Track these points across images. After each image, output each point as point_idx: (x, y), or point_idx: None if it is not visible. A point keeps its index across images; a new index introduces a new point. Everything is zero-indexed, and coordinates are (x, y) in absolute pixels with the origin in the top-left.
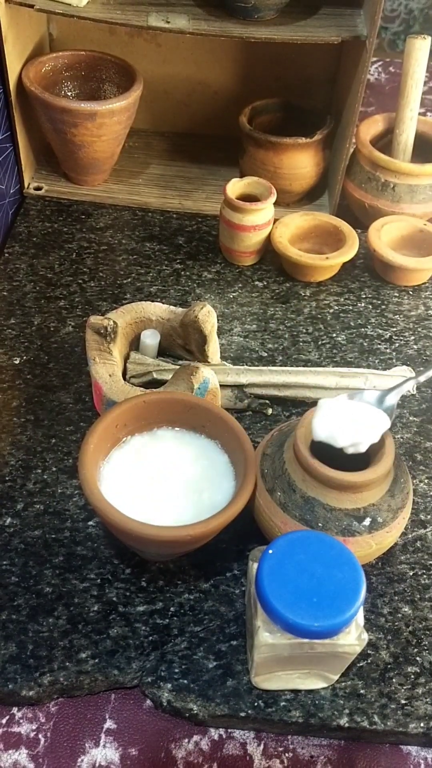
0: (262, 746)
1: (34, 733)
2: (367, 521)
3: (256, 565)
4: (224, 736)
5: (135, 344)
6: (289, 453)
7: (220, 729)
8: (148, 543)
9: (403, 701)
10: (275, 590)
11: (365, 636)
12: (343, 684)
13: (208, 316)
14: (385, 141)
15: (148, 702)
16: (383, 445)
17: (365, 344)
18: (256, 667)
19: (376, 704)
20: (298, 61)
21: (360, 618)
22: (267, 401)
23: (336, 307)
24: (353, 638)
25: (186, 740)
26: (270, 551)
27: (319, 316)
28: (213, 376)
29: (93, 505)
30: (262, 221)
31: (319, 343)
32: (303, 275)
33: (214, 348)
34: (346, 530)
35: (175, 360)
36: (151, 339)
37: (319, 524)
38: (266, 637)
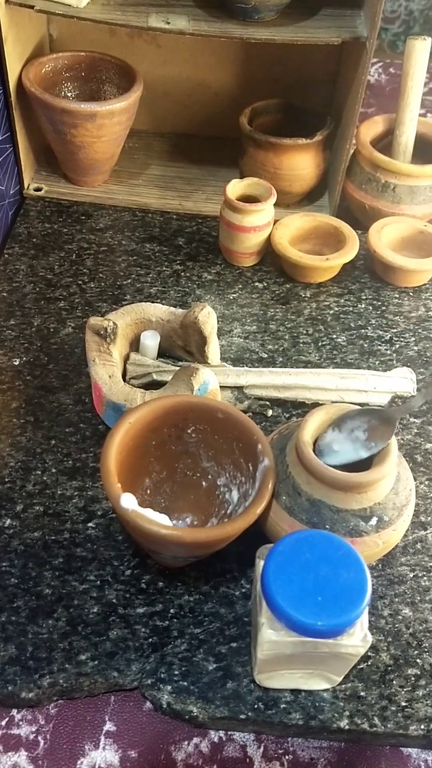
0: (262, 748)
1: (34, 735)
2: (374, 521)
3: (262, 563)
4: (224, 739)
5: (135, 345)
6: (292, 456)
7: (220, 731)
8: (171, 546)
9: (403, 703)
10: (280, 588)
11: (369, 638)
12: (343, 686)
13: (208, 317)
14: (386, 142)
15: (148, 704)
16: (386, 443)
17: (365, 345)
18: (259, 665)
19: (377, 706)
20: (298, 62)
21: (365, 620)
22: (267, 402)
23: (336, 309)
24: (357, 639)
25: (186, 742)
26: (277, 549)
27: (319, 317)
28: (213, 378)
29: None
30: (262, 222)
31: (320, 344)
32: (303, 276)
33: (214, 349)
34: (353, 531)
35: (175, 361)
36: (151, 340)
37: (327, 526)
38: (270, 634)
